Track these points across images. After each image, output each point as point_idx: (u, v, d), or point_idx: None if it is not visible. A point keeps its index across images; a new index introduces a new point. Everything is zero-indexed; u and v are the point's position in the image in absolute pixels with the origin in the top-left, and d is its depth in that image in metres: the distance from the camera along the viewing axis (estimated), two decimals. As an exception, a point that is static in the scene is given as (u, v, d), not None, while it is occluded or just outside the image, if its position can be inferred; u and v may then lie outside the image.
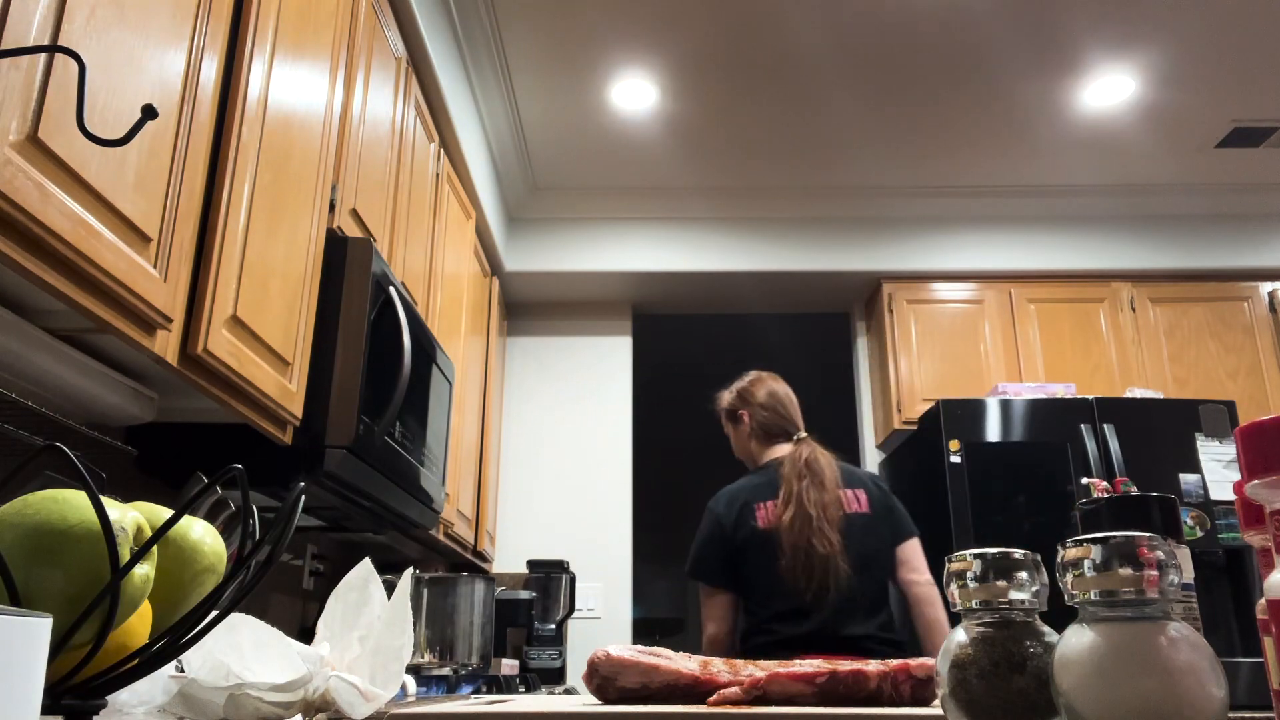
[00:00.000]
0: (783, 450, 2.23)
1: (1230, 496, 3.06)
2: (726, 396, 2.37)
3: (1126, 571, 0.55)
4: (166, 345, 1.21)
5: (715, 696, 0.82)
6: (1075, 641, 0.55)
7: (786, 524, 2.06)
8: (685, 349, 5.49)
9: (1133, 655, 0.53)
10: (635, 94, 3.22)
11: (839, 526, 2.07)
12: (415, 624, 2.40)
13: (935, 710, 0.78)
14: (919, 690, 0.83)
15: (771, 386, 2.33)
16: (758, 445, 2.28)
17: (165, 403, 1.46)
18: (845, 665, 0.84)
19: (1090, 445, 3.14)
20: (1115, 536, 0.56)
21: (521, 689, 2.91)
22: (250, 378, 1.40)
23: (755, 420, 2.28)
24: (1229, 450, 3.14)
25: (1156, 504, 0.74)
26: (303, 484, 0.67)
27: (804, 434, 2.27)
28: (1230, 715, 0.56)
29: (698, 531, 2.20)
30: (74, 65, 0.95)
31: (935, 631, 2.10)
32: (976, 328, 3.77)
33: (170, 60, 1.18)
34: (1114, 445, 3.14)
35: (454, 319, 2.83)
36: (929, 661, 0.82)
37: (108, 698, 0.58)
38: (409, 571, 0.83)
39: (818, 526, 2.05)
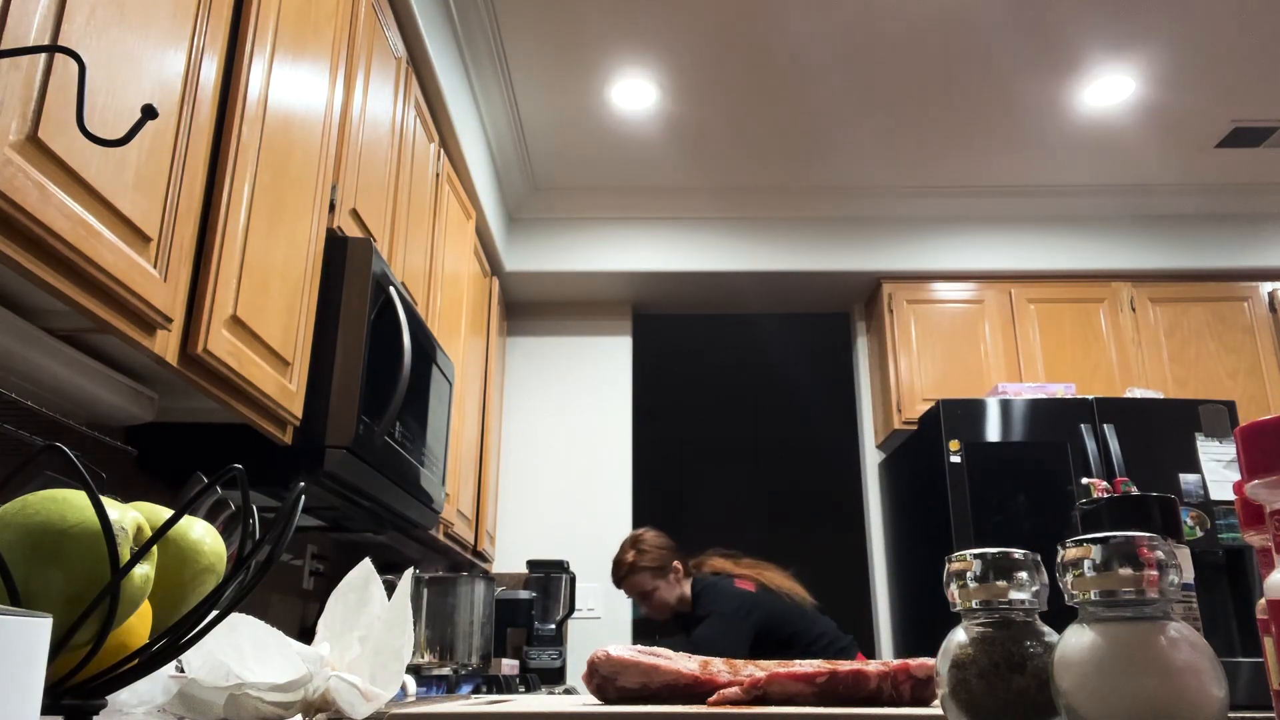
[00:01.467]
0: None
1: (1230, 496, 3.06)
2: (651, 556, 2.75)
3: (1126, 571, 0.55)
4: (166, 345, 1.21)
5: (715, 696, 0.82)
6: (1075, 641, 0.55)
7: (769, 577, 2.72)
8: (685, 349, 5.49)
9: (1133, 655, 0.53)
10: (635, 94, 3.22)
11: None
12: (415, 624, 2.40)
13: (935, 710, 0.78)
14: (919, 690, 0.83)
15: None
16: (683, 581, 2.80)
17: (165, 403, 1.46)
18: (845, 665, 0.84)
19: (1090, 445, 3.14)
20: (1115, 536, 0.56)
21: (521, 689, 2.91)
22: (250, 378, 1.40)
23: (683, 566, 2.80)
24: (1229, 450, 3.14)
25: (1156, 504, 0.74)
26: (303, 484, 0.67)
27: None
28: (1230, 715, 0.56)
29: (729, 624, 2.64)
30: (74, 65, 0.95)
31: None
32: (976, 328, 3.77)
33: (170, 60, 1.18)
34: (1114, 445, 3.14)
35: (454, 319, 2.83)
36: (929, 661, 0.82)
37: (108, 698, 0.58)
38: (409, 571, 0.83)
39: (781, 577, 2.74)
